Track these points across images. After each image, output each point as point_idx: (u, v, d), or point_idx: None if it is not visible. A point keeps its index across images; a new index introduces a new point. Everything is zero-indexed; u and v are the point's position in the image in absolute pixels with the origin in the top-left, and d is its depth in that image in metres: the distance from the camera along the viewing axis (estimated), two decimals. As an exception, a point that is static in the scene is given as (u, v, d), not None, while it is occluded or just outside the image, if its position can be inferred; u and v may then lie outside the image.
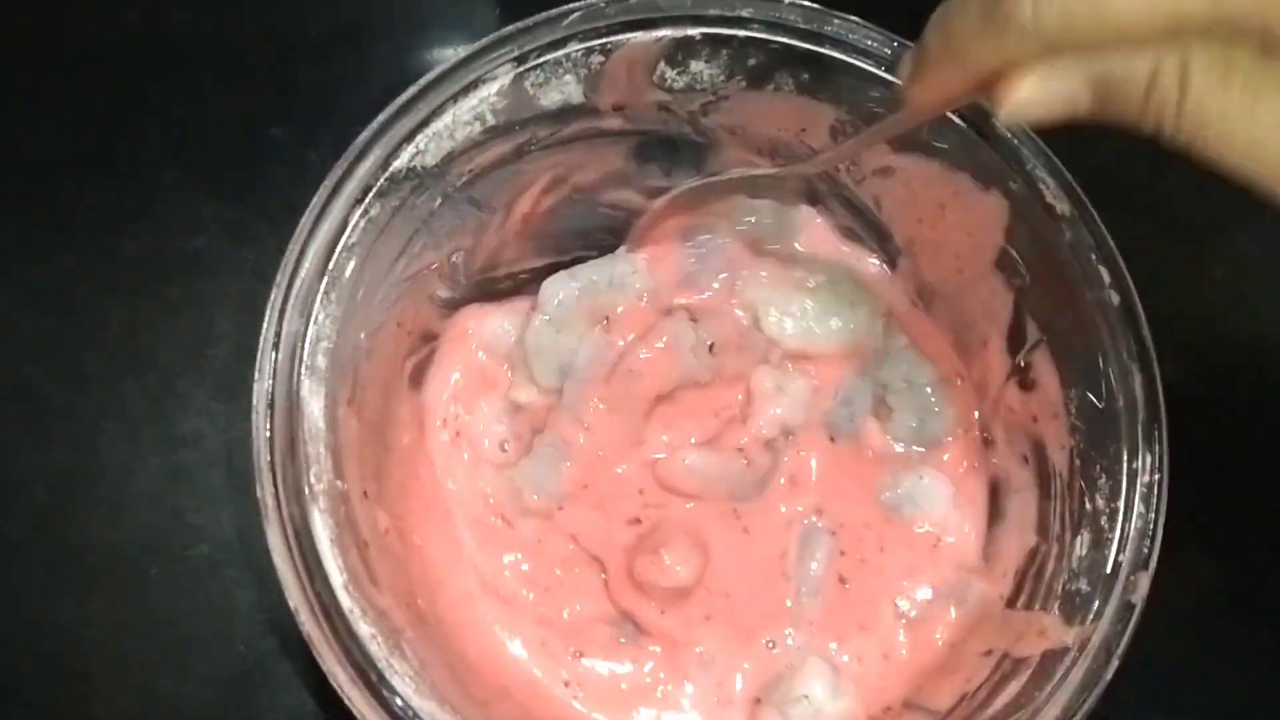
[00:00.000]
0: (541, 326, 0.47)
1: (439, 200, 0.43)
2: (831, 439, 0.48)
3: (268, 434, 0.36)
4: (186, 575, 0.48)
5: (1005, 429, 0.47)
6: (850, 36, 0.42)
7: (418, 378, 0.48)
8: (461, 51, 0.41)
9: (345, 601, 0.35)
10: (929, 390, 0.49)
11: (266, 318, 0.38)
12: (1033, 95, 0.29)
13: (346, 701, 0.35)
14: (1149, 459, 0.39)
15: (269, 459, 0.36)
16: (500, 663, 0.44)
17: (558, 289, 0.48)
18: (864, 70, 0.42)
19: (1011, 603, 0.43)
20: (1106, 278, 0.40)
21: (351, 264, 0.40)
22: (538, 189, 0.47)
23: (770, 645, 0.46)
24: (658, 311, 0.49)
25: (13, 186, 0.53)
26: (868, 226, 0.49)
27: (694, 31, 0.42)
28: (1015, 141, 0.41)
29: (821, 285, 0.49)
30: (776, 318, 0.48)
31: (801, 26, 0.42)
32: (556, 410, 0.47)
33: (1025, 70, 0.29)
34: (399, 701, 0.35)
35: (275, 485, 0.36)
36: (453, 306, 0.49)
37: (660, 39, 0.42)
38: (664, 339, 0.47)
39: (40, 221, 0.53)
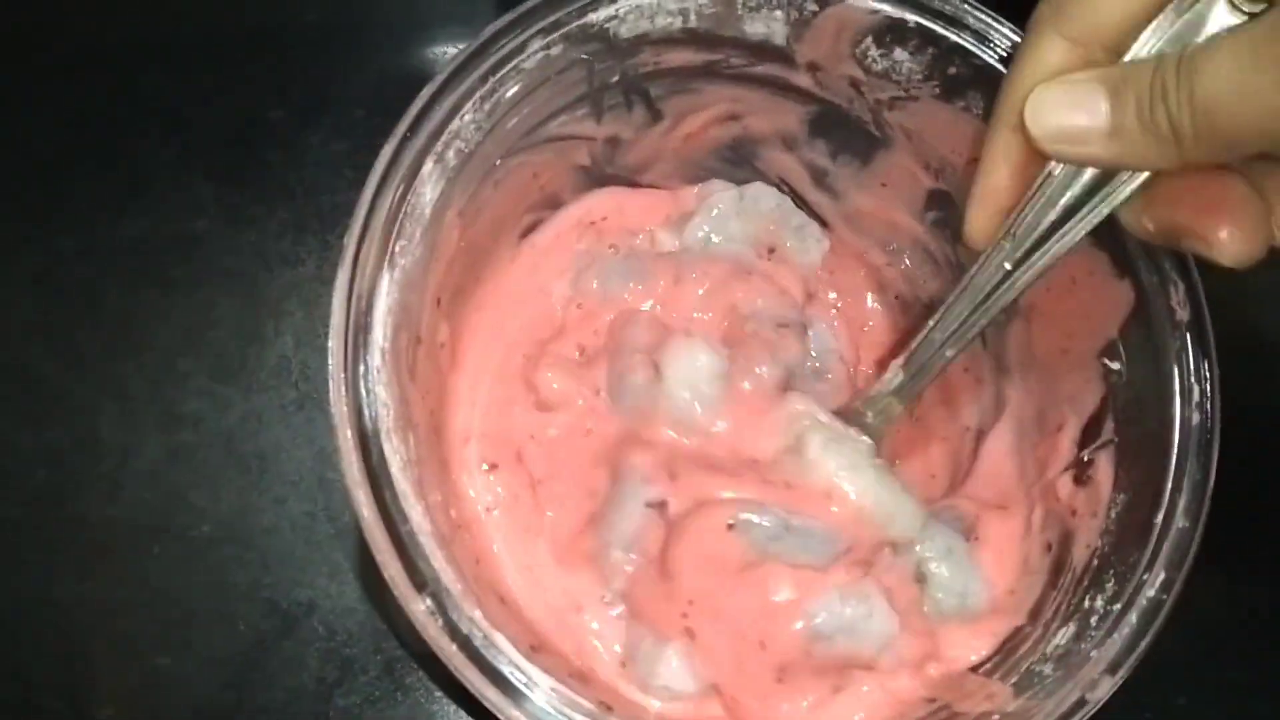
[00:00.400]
0: (727, 198, 0.49)
1: (616, 77, 0.45)
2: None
3: (374, 191, 0.38)
4: (187, 555, 0.49)
5: (1043, 514, 0.46)
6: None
7: (529, 231, 0.49)
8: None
9: (375, 360, 0.37)
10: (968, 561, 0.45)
11: (417, 99, 0.40)
12: (1053, 90, 0.34)
13: (340, 448, 0.36)
14: (1162, 577, 0.38)
15: (366, 211, 0.38)
16: (470, 485, 0.45)
17: (766, 192, 0.50)
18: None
19: (975, 668, 0.43)
20: (1196, 395, 0.40)
21: (515, 88, 0.41)
22: (710, 115, 0.49)
23: (603, 599, 0.44)
24: (803, 289, 0.51)
25: (11, 170, 0.54)
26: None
27: (910, 17, 0.43)
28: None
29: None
30: (820, 446, 0.44)
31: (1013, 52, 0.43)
32: (671, 256, 0.49)
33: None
34: (378, 456, 0.36)
35: (363, 235, 0.38)
36: (588, 187, 0.50)
37: (876, 11, 0.43)
38: (783, 301, 0.49)
39: (39, 205, 0.53)
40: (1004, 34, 0.43)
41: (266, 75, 0.56)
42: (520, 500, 0.45)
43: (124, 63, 0.56)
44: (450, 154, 0.40)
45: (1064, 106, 0.33)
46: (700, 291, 0.48)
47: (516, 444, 0.46)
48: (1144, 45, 0.33)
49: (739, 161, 0.51)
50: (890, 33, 0.44)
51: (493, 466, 0.46)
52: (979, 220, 0.39)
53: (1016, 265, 0.38)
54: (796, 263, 0.51)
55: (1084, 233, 0.36)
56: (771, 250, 0.51)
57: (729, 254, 0.49)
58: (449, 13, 0.59)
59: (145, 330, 0.52)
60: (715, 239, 0.50)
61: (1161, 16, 0.33)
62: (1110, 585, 0.40)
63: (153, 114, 0.55)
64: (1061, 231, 0.37)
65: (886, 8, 0.43)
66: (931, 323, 0.42)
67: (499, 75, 0.41)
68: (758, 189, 0.50)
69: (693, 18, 0.43)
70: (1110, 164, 0.34)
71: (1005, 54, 0.43)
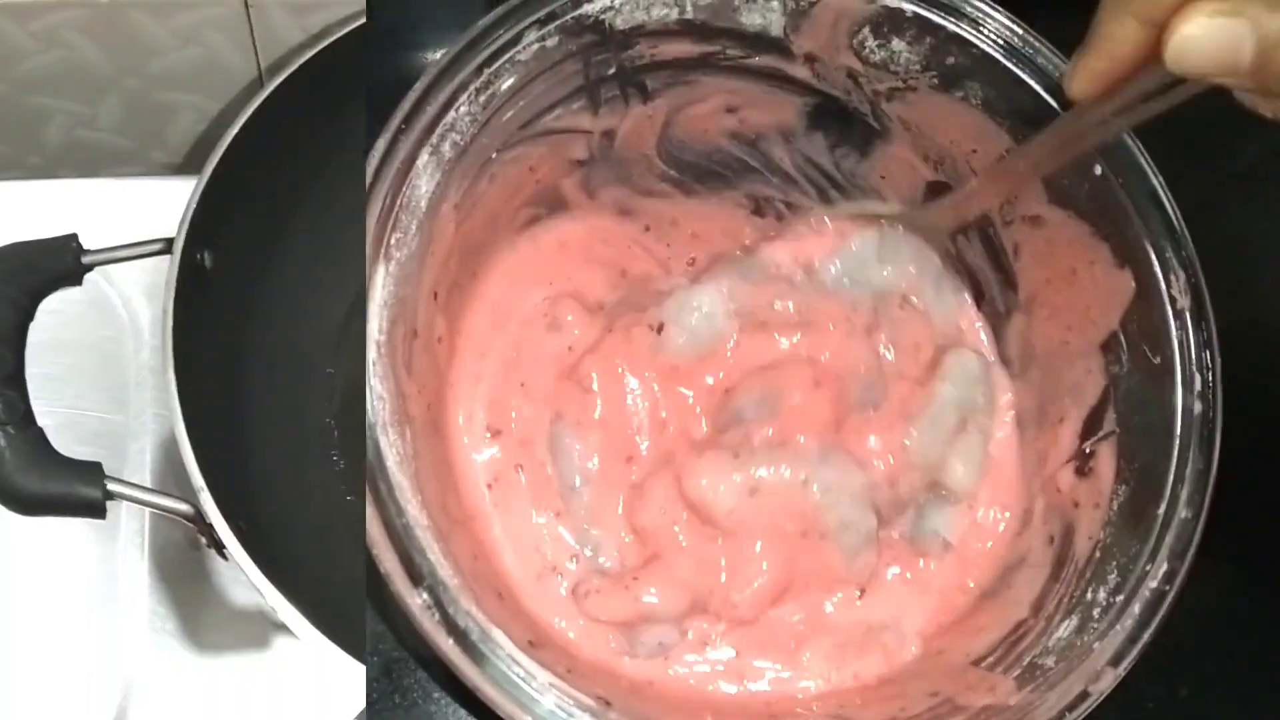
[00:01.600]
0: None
1: (612, 69, 0.45)
2: None
3: (368, 183, 0.38)
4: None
5: (1045, 507, 0.46)
6: (1057, 75, 0.42)
7: (526, 228, 0.49)
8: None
9: (371, 353, 0.37)
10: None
11: (411, 91, 0.39)
12: (1200, 33, 0.30)
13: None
14: (1165, 569, 0.38)
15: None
16: (473, 482, 0.45)
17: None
18: (1057, 114, 0.42)
19: (978, 661, 0.42)
20: (1198, 384, 0.40)
21: (510, 80, 0.41)
22: (707, 108, 0.48)
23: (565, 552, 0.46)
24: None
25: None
26: (996, 270, 0.49)
27: (908, 6, 0.43)
28: (1167, 224, 0.41)
29: None
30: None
31: (1013, 43, 0.42)
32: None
33: (1198, 7, 0.30)
34: (374, 449, 0.36)
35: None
36: (586, 182, 0.50)
37: (874, 0, 0.43)
38: None
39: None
40: (1001, 23, 0.43)
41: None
42: (518, 471, 0.46)
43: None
44: (445, 146, 0.40)
45: (1205, 55, 0.31)
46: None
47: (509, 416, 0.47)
48: None
49: (736, 162, 0.51)
50: (888, 22, 0.43)
51: (495, 433, 0.46)
52: (1083, 83, 0.37)
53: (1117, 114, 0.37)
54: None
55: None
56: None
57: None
58: (445, 11, 0.58)
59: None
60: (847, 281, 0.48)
61: None
62: (1113, 577, 0.39)
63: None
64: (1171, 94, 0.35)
65: (884, -4, 0.43)
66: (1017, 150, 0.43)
67: (494, 67, 0.40)
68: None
69: (689, 8, 0.43)
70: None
71: (1003, 43, 0.42)
